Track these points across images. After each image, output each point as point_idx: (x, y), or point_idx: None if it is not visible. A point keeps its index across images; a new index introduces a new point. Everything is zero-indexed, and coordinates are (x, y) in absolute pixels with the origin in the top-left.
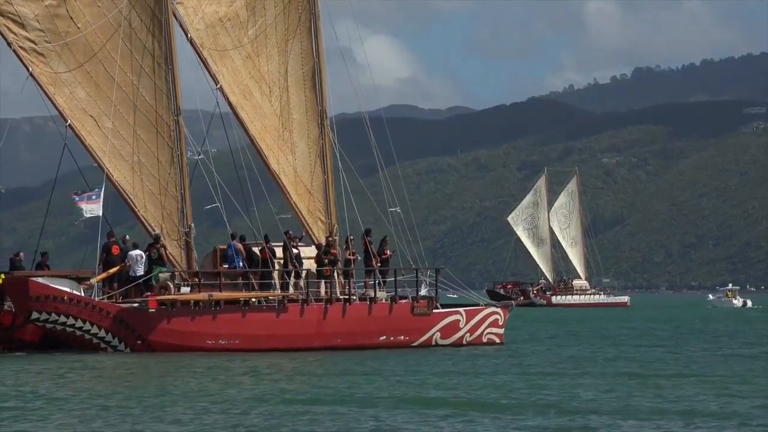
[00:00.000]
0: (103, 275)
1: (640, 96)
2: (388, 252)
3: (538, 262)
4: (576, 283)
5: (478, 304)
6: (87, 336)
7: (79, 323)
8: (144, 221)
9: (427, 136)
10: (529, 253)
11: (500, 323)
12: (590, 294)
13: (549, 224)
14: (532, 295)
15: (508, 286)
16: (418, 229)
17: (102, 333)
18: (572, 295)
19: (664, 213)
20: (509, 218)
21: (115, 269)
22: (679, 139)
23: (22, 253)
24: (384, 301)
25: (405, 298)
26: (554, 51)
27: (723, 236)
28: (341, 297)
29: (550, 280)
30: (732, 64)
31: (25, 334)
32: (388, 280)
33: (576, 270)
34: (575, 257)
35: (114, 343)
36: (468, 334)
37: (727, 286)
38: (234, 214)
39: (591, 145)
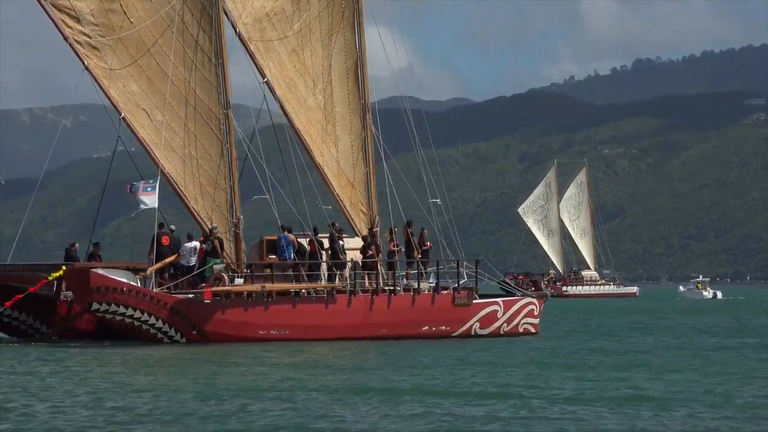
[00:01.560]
0: (159, 266)
1: (640, 88)
2: (429, 244)
3: (548, 253)
4: (585, 273)
5: (514, 295)
6: (144, 326)
7: (137, 314)
8: (195, 213)
9: (430, 127)
10: (537, 244)
11: (536, 313)
12: (600, 284)
13: (559, 215)
14: (543, 286)
15: (520, 277)
16: (421, 221)
17: (159, 323)
18: (582, 285)
19: (665, 204)
20: (519, 210)
21: (169, 259)
22: (679, 131)
23: (77, 244)
24: (427, 291)
25: (446, 288)
26: (553, 42)
27: (724, 228)
28: (386, 288)
29: (560, 270)
30: (733, 55)
31: (81, 323)
32: (429, 271)
33: (585, 261)
34: (585, 248)
35: (171, 333)
36: (505, 325)
37: (698, 277)
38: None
39: (592, 136)
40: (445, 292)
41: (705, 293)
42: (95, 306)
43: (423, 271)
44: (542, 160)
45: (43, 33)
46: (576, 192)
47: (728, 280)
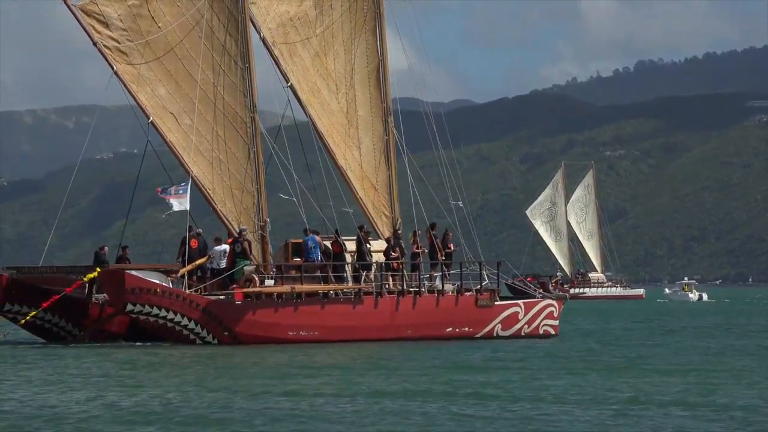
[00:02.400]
0: (190, 267)
1: (642, 89)
2: (452, 246)
3: (555, 255)
4: (592, 276)
5: (534, 297)
6: (177, 327)
7: (170, 315)
8: (223, 216)
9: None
10: (540, 246)
11: (555, 315)
12: (607, 286)
13: (566, 218)
14: (551, 288)
15: (528, 279)
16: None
17: (192, 324)
18: (590, 287)
19: (667, 206)
20: (527, 212)
21: (200, 261)
22: (681, 132)
23: (106, 247)
24: (450, 293)
25: (469, 290)
26: (553, 43)
27: (725, 229)
28: (412, 289)
29: (567, 272)
30: (735, 57)
31: (112, 325)
32: (452, 272)
33: (592, 263)
34: (591, 250)
35: (203, 334)
36: (526, 326)
37: (683, 279)
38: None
39: (594, 137)
40: (468, 293)
41: (691, 295)
42: (129, 307)
43: (446, 273)
44: (544, 162)
45: (42, 33)
46: (583, 194)
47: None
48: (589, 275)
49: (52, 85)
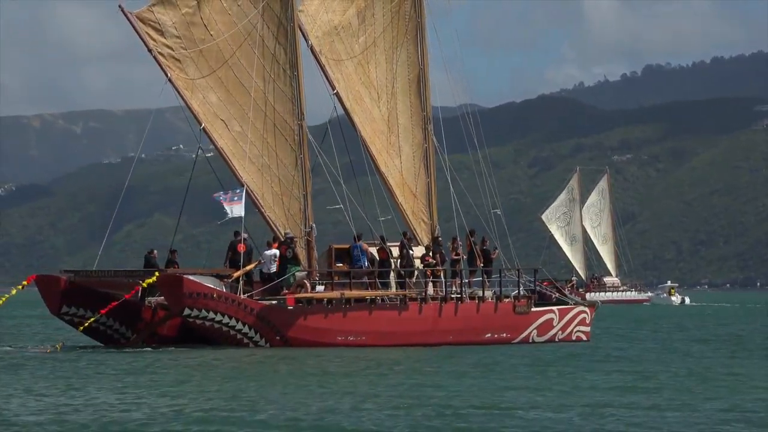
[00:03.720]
0: (243, 271)
1: (650, 93)
2: (495, 251)
3: (571, 260)
4: (607, 280)
5: (567, 303)
6: (232, 332)
7: (225, 319)
8: (271, 222)
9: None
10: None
11: (587, 321)
12: (622, 291)
13: (582, 222)
14: (567, 292)
15: (544, 283)
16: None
17: (246, 329)
18: (605, 291)
19: (675, 210)
20: (543, 216)
21: (251, 266)
22: (689, 137)
23: (155, 251)
24: (490, 299)
25: (507, 297)
26: (559, 46)
27: (733, 233)
28: (454, 296)
29: (583, 277)
30: (742, 61)
31: (163, 329)
32: (492, 279)
33: (607, 267)
34: (606, 254)
35: (255, 338)
36: (560, 332)
37: (666, 282)
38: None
39: (601, 142)
40: (507, 300)
41: (674, 299)
42: (187, 311)
43: (486, 279)
44: (552, 166)
45: (42, 35)
46: (597, 199)
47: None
48: (604, 279)
49: (56, 88)
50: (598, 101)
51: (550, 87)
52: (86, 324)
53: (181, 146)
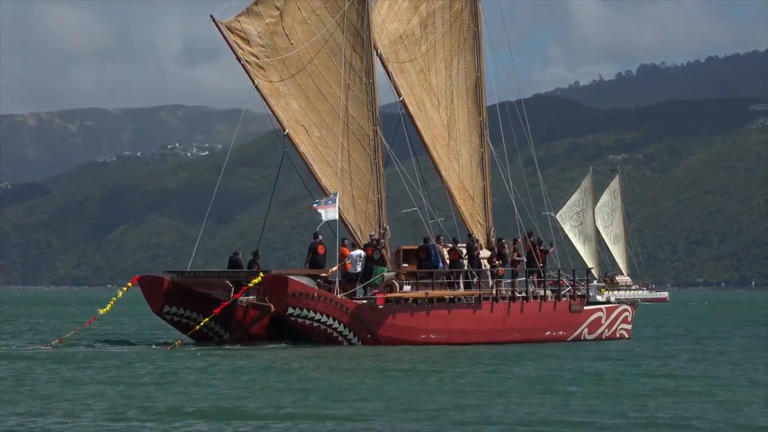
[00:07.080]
0: (333, 270)
1: (645, 93)
2: (552, 249)
3: (584, 259)
4: (620, 278)
5: (610, 302)
6: (329, 330)
7: (324, 318)
8: (348, 224)
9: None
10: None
11: (629, 320)
12: (634, 290)
13: (594, 222)
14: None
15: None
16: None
17: (341, 327)
18: (617, 290)
19: (670, 210)
20: (557, 216)
21: (338, 266)
22: (684, 136)
23: (240, 252)
24: (549, 299)
25: (564, 296)
26: (555, 47)
27: (728, 233)
28: (520, 295)
29: (596, 275)
30: (737, 60)
31: (253, 327)
32: (548, 278)
33: (618, 266)
34: (618, 254)
35: (349, 336)
36: (606, 330)
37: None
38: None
39: (597, 141)
40: (564, 299)
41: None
42: (290, 310)
43: (545, 279)
44: (547, 166)
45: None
46: (609, 199)
47: (722, 285)
48: (617, 278)
49: (50, 87)
50: (593, 101)
51: (545, 86)
52: (198, 326)
53: (176, 144)
